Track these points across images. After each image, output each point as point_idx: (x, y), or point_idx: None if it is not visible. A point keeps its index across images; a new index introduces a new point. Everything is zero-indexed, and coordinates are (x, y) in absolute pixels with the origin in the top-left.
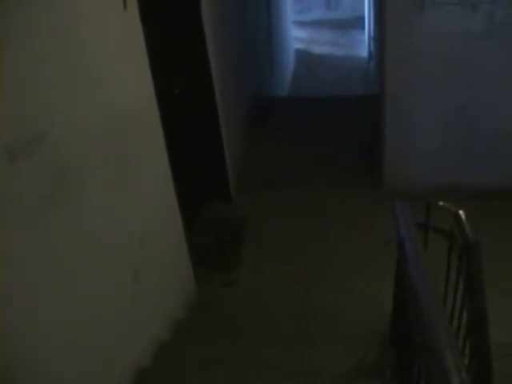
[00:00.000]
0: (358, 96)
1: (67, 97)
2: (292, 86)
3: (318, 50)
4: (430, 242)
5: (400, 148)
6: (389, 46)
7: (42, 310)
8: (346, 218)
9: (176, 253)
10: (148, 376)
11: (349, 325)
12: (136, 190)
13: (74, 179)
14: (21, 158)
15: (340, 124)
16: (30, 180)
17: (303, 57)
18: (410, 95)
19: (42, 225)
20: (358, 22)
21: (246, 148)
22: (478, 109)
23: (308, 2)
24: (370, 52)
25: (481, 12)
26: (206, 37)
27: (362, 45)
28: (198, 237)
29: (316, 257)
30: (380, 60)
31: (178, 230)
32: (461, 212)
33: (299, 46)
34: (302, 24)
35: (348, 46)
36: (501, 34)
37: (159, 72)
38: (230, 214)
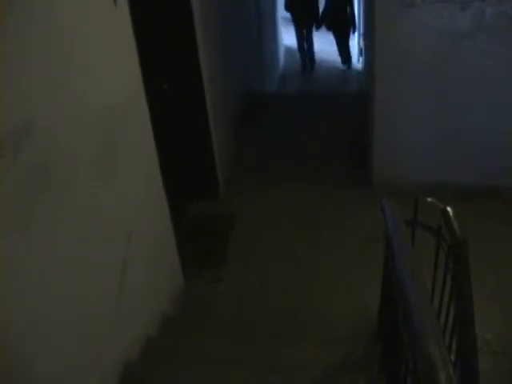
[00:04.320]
0: (347, 93)
1: (54, 88)
2: (281, 82)
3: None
4: (417, 239)
5: (388, 146)
6: (378, 43)
7: (30, 306)
8: (334, 216)
9: (164, 248)
10: (135, 371)
11: (336, 322)
12: (124, 184)
13: (61, 174)
14: (9, 154)
15: (330, 121)
16: (19, 175)
17: (293, 53)
18: (399, 92)
19: (30, 222)
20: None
21: (235, 144)
22: (466, 107)
23: None
24: (359, 49)
25: (470, 10)
26: (196, 33)
27: (352, 41)
28: (184, 233)
29: (303, 254)
30: (369, 57)
31: (166, 224)
32: (449, 209)
33: (289, 42)
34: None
35: None
36: (490, 32)
37: (148, 67)
38: (218, 212)
